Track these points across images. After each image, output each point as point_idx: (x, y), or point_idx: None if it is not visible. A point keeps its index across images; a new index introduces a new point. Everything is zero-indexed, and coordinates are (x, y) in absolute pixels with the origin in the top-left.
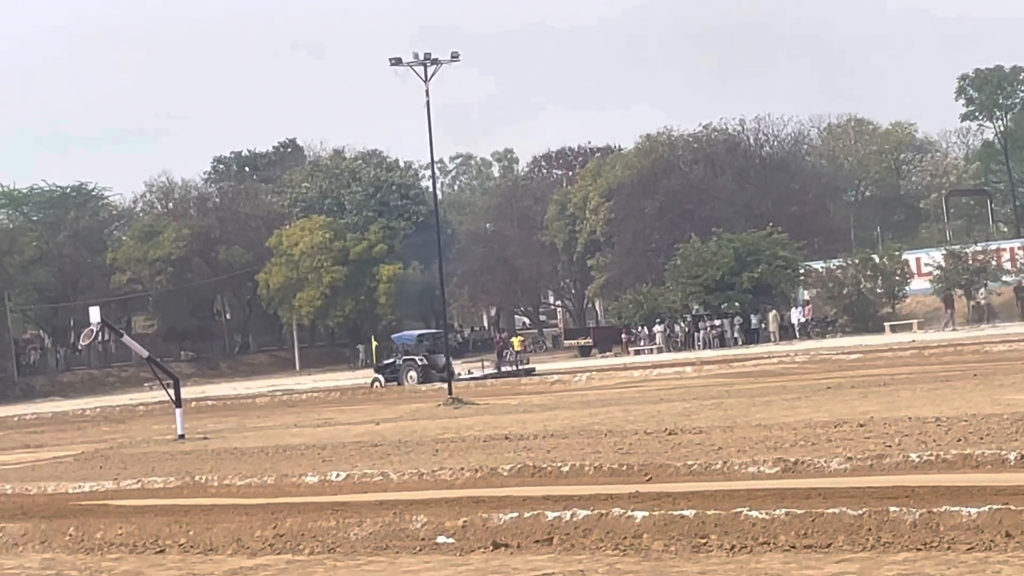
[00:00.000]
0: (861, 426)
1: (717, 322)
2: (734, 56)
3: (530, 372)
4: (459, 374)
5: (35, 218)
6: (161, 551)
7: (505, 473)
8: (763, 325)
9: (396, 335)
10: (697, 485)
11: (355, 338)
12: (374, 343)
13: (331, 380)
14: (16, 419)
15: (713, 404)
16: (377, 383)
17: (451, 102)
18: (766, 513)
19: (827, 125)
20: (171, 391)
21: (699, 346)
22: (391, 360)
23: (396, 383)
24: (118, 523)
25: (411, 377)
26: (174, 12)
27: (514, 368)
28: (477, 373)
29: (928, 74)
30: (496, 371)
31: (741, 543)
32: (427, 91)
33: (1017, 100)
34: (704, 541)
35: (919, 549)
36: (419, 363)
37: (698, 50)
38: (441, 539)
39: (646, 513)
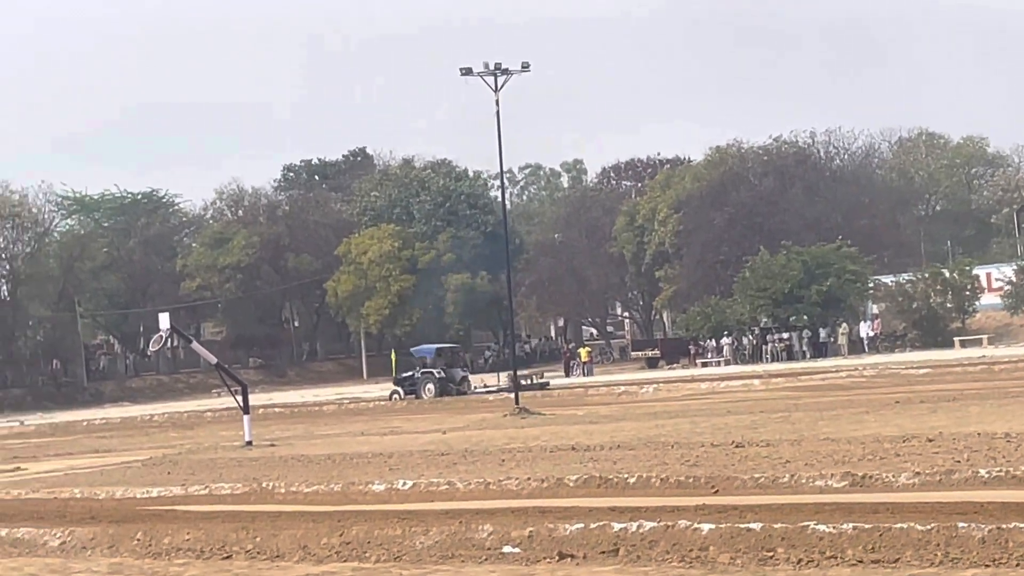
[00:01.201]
0: (930, 441)
1: (785, 335)
2: (806, 69)
3: (544, 386)
4: (475, 387)
5: (106, 224)
6: (228, 557)
7: (571, 484)
8: (831, 339)
9: (415, 348)
10: (764, 498)
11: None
12: (393, 356)
13: None
14: (85, 424)
15: (780, 417)
16: (396, 395)
17: (521, 112)
18: (833, 527)
19: (898, 139)
20: (239, 398)
21: (767, 359)
22: (410, 373)
23: (414, 396)
24: (185, 528)
25: (429, 390)
26: (245, 20)
27: (531, 381)
28: (493, 387)
29: (1001, 88)
30: (510, 385)
31: (808, 557)
32: (497, 101)
33: None
34: (771, 554)
35: (987, 565)
36: (437, 376)
37: (768, 62)
38: (507, 549)
39: (713, 525)
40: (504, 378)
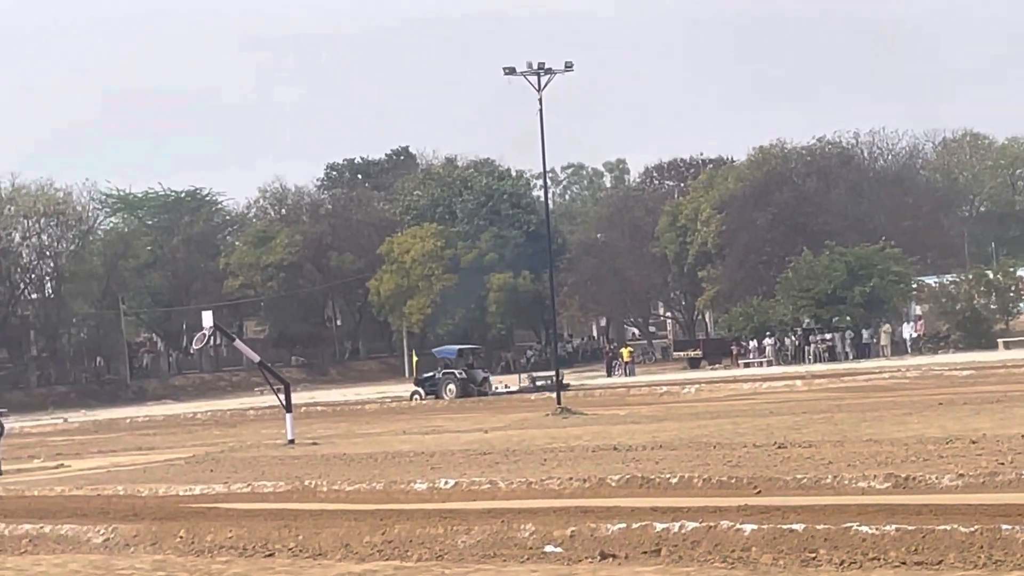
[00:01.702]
0: (973, 443)
1: (828, 336)
2: (851, 69)
3: (565, 388)
4: (496, 388)
5: (150, 222)
6: (270, 555)
7: (613, 483)
8: (874, 340)
9: (437, 349)
10: (806, 499)
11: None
12: (414, 356)
13: None
14: (128, 421)
15: (823, 418)
16: (417, 396)
17: (564, 111)
18: (876, 528)
19: (942, 139)
20: (282, 396)
21: (809, 360)
22: (431, 373)
23: (435, 396)
24: (228, 526)
25: (450, 390)
26: (292, 20)
27: (548, 383)
28: (513, 388)
29: None
30: (531, 385)
31: (851, 558)
32: (540, 100)
33: None
34: (813, 555)
35: None
36: (458, 377)
37: (812, 62)
38: (549, 548)
39: (755, 526)
40: (525, 379)
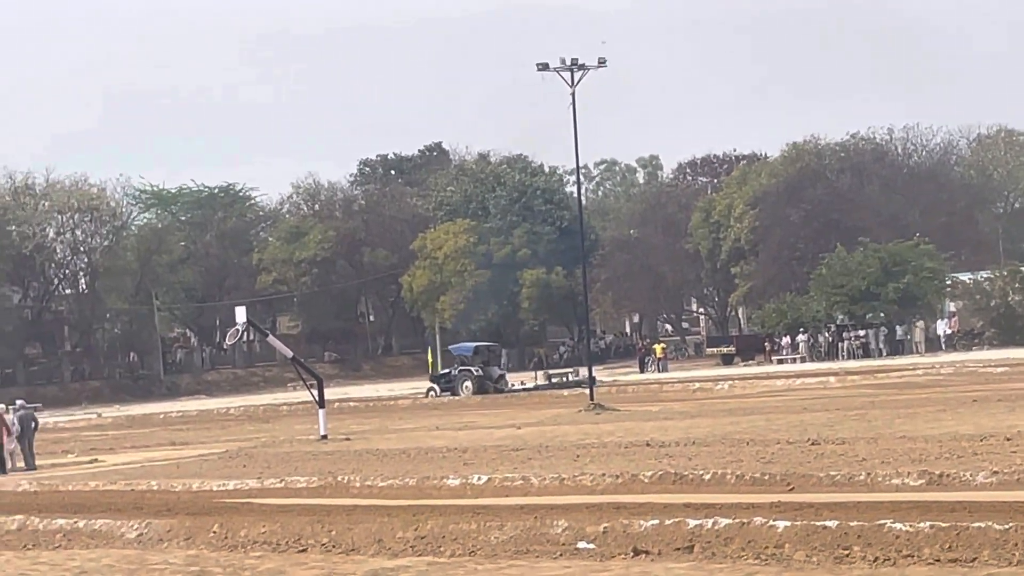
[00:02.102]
0: (1008, 440)
1: (861, 333)
2: (882, 65)
3: (576, 385)
4: (512, 385)
5: (183, 218)
6: (303, 550)
7: (646, 480)
8: (908, 336)
9: (453, 346)
10: (840, 496)
11: (497, 342)
12: (430, 354)
13: None
14: (162, 416)
15: (857, 415)
16: (432, 392)
17: (598, 106)
18: (910, 526)
19: (977, 135)
20: (314, 391)
21: (843, 356)
22: (447, 371)
23: (451, 393)
24: (261, 521)
25: (466, 387)
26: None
27: (565, 379)
28: (529, 385)
29: None
30: (547, 382)
31: (884, 555)
32: (572, 95)
33: None
34: (847, 552)
35: None
36: (474, 374)
37: (846, 58)
38: (581, 544)
39: (788, 523)
40: (541, 376)
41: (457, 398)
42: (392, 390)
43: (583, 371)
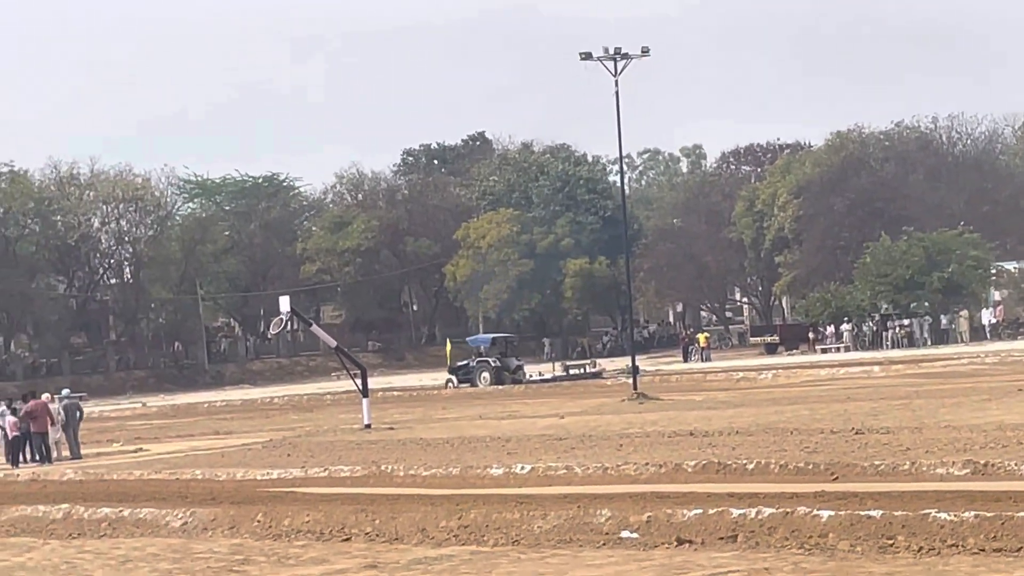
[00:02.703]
0: None
1: (906, 322)
2: (925, 53)
3: (598, 375)
4: (530, 376)
5: (227, 208)
6: (347, 539)
7: (690, 469)
8: (953, 326)
9: (471, 337)
10: (884, 485)
11: (541, 332)
12: (448, 345)
13: None
14: (206, 406)
15: (901, 404)
16: (451, 383)
17: (641, 96)
18: (954, 515)
19: (1022, 124)
20: (358, 381)
21: (887, 346)
22: (465, 362)
23: (469, 384)
24: (305, 510)
25: (484, 378)
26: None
27: (583, 371)
28: (548, 375)
29: None
30: (565, 373)
31: (929, 545)
32: (616, 83)
33: None
34: (891, 542)
35: None
36: (492, 365)
37: (891, 47)
38: (625, 534)
39: (832, 512)
40: (559, 368)
41: (477, 389)
42: (435, 379)
43: (600, 363)
